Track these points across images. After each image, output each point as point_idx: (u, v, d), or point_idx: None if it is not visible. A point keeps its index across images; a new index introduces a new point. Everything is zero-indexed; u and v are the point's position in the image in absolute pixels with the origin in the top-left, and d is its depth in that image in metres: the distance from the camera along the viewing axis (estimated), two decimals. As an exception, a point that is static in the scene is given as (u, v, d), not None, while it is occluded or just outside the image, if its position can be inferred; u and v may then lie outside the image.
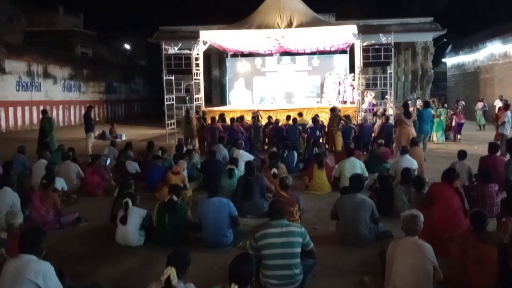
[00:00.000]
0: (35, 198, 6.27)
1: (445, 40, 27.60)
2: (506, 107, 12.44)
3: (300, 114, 13.98)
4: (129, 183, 6.50)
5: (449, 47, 29.89)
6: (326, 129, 12.81)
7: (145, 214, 5.67)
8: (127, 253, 5.36)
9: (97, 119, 23.95)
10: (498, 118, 12.99)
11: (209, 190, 5.82)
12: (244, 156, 9.02)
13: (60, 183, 7.50)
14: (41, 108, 21.80)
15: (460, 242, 4.12)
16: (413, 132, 10.91)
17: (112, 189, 8.12)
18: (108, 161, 9.71)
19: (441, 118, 14.65)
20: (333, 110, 12.94)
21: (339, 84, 18.16)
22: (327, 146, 12.69)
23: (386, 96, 16.36)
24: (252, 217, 6.34)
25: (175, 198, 5.48)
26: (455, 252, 4.16)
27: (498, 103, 16.69)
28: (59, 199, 6.46)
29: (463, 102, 20.84)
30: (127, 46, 41.24)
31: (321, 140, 12.70)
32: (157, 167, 8.42)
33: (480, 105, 19.45)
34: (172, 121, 15.96)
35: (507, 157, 8.39)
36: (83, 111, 20.08)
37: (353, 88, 17.20)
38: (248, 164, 7.00)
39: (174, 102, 16.04)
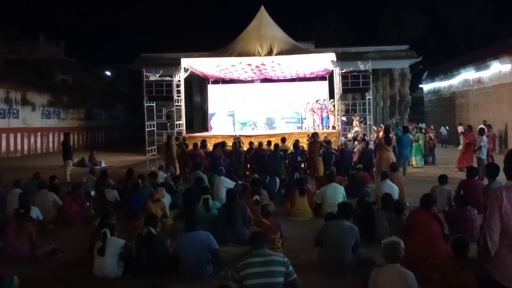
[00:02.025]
0: (9, 229, 6.04)
1: (421, 66, 28.37)
2: (481, 131, 12.72)
3: (283, 140, 14.04)
4: (110, 212, 6.34)
5: (425, 74, 30.71)
6: (307, 155, 12.84)
7: (124, 245, 5.52)
8: (104, 286, 5.19)
9: (76, 146, 23.65)
10: (468, 142, 13.33)
11: (187, 222, 5.66)
12: (226, 183, 8.95)
13: (35, 212, 7.27)
14: (19, 135, 21.57)
15: (442, 269, 4.11)
16: (392, 157, 11.08)
17: (91, 219, 7.96)
18: (93, 193, 9.48)
19: (419, 142, 14.91)
20: (314, 135, 13.03)
21: (321, 110, 18.36)
22: (308, 172, 12.71)
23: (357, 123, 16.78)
24: (234, 245, 6.24)
25: (152, 230, 5.36)
26: (437, 279, 4.14)
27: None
28: (34, 230, 6.24)
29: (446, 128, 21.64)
30: (108, 73, 41.15)
31: (302, 165, 12.74)
32: (137, 195, 8.28)
33: (460, 129, 20.07)
34: (153, 147, 15.83)
35: (485, 181, 8.52)
36: (62, 138, 19.76)
37: (333, 114, 17.38)
38: (230, 191, 6.94)
39: (155, 128, 15.95)
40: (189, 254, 5.18)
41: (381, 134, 13.71)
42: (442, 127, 24.01)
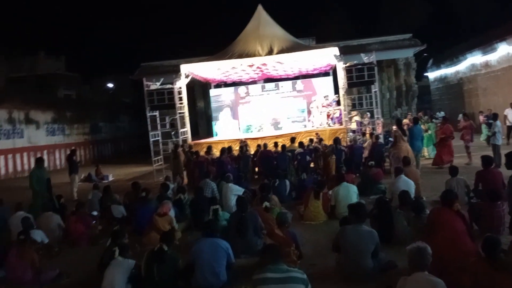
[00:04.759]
0: (10, 255, 5.81)
1: (425, 54, 27.88)
2: (494, 117, 12.31)
3: (293, 140, 13.68)
4: (121, 231, 6.06)
5: (430, 61, 30.21)
6: (319, 154, 12.47)
7: (133, 265, 5.25)
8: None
9: (83, 161, 23.48)
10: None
11: (205, 228, 5.47)
12: (234, 190, 8.68)
13: (40, 236, 7.05)
14: (25, 154, 21.44)
15: (472, 272, 3.77)
16: (409, 148, 10.73)
17: (98, 238, 7.72)
18: (95, 213, 9.24)
19: (430, 132, 14.50)
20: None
21: (328, 106, 18.01)
22: (318, 171, 12.37)
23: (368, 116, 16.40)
24: (246, 256, 5.95)
25: (165, 247, 5.10)
26: (467, 283, 3.81)
27: (509, 112, 16.26)
28: (37, 256, 5.99)
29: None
30: (110, 85, 41.08)
31: (312, 165, 12.41)
32: (145, 210, 8.00)
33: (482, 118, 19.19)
34: (159, 157, 15.60)
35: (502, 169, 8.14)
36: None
37: (340, 110, 17.05)
38: (240, 200, 6.66)
39: (160, 138, 15.71)
40: (207, 261, 5.03)
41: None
42: (460, 115, 22.71)
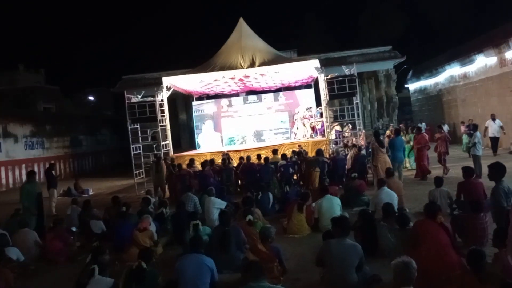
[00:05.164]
0: (-17, 277, 5.57)
1: (405, 66, 28.32)
2: (474, 128, 12.48)
3: (275, 151, 13.64)
4: (101, 248, 5.87)
5: (410, 73, 30.68)
6: (302, 166, 12.43)
7: (112, 284, 5.07)
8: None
9: (62, 175, 22.98)
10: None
11: (188, 244, 5.39)
12: (217, 203, 8.56)
13: (15, 253, 6.81)
14: (2, 169, 20.92)
15: (458, 285, 3.74)
16: (388, 160, 10.83)
17: (76, 255, 7.50)
18: (74, 229, 9.00)
19: (411, 143, 14.61)
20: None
21: (310, 118, 18.08)
22: (301, 183, 12.34)
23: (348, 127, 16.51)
24: (229, 272, 5.82)
25: (144, 265, 4.94)
26: (453, 296, 3.78)
27: (491, 124, 16.21)
28: (11, 276, 5.76)
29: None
30: (91, 98, 40.66)
31: (295, 177, 12.36)
32: (125, 225, 7.81)
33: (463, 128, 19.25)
34: (140, 170, 15.37)
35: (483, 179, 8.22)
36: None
37: (322, 121, 17.12)
38: (223, 214, 6.55)
39: (141, 151, 15.50)
40: (191, 278, 4.87)
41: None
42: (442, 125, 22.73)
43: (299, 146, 14.96)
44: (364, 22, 41.11)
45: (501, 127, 15.81)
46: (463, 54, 21.01)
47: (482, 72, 19.57)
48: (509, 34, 16.65)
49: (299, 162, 12.64)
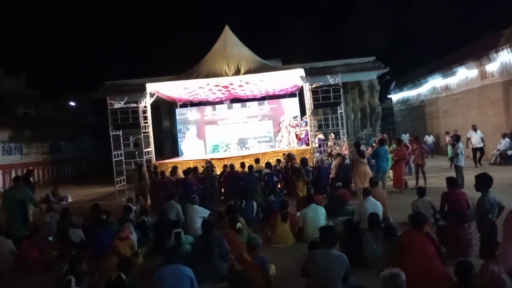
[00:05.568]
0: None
1: (388, 77, 28.61)
2: (457, 138, 12.60)
3: (257, 161, 13.58)
4: (79, 256, 5.65)
5: (393, 84, 31.03)
6: (286, 175, 12.37)
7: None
8: None
9: (41, 181, 22.42)
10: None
11: (166, 254, 5.20)
12: (200, 212, 8.41)
13: (-11, 263, 6.55)
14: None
15: (446, 298, 3.69)
16: (369, 171, 10.84)
17: (53, 264, 7.26)
18: (51, 238, 8.73)
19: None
20: (289, 156, 12.80)
21: (295, 127, 18.08)
22: (285, 192, 12.27)
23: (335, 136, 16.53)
24: (211, 282, 5.68)
25: (123, 276, 4.77)
26: (441, 308, 3.72)
27: (473, 134, 16.27)
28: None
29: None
30: (72, 103, 40.01)
31: (279, 186, 12.29)
32: (105, 233, 7.61)
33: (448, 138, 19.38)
34: (121, 177, 15.09)
35: (466, 190, 8.26)
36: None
37: (306, 130, 17.14)
38: (206, 223, 6.40)
39: (123, 157, 15.24)
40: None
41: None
42: (427, 136, 22.70)
43: (284, 154, 14.90)
44: (349, 32, 41.71)
45: (481, 139, 16.02)
46: (445, 66, 21.34)
47: (463, 84, 19.89)
48: (490, 48, 16.96)
49: (283, 170, 12.59)
